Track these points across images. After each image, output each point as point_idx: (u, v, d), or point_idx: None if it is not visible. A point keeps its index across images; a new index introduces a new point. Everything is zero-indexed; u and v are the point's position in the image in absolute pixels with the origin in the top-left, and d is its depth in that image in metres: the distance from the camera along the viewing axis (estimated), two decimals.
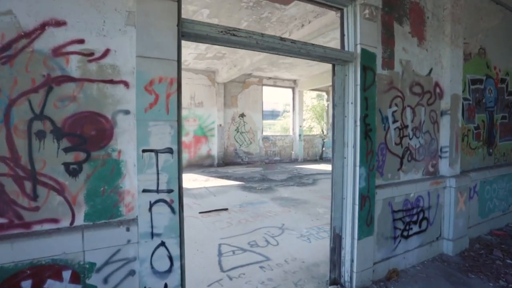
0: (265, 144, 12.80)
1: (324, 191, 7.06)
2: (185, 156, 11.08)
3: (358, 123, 2.61)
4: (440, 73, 3.49)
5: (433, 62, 3.42)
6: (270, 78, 12.73)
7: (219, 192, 6.89)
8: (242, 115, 12.17)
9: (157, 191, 1.72)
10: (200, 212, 5.21)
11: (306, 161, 13.82)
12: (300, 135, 13.41)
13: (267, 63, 10.30)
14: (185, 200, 6.20)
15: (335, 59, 2.57)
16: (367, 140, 2.67)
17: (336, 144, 2.71)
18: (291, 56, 2.46)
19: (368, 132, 2.67)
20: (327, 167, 11.65)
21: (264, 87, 12.78)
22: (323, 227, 4.47)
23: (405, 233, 3.15)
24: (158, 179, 1.72)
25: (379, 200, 2.85)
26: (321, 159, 14.21)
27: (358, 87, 2.61)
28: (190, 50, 8.73)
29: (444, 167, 3.54)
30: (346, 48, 2.69)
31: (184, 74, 11.00)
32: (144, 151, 1.68)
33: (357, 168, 2.63)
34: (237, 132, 12.08)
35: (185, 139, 11.05)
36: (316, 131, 14.92)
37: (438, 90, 3.50)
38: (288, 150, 13.46)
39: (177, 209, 1.79)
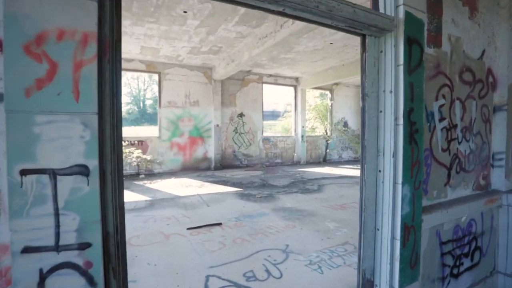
0: (265, 145, 11.97)
1: (331, 199, 6.23)
2: (180, 159, 10.27)
3: (401, 121, 1.79)
4: (493, 57, 2.67)
5: (486, 42, 2.59)
6: (270, 75, 11.92)
7: (214, 201, 6.07)
8: (241, 115, 11.35)
9: (57, 248, 0.90)
10: (188, 228, 4.38)
11: (309, 163, 12.99)
12: (302, 136, 12.58)
13: (267, 58, 9.48)
14: (174, 212, 5.40)
15: (367, 25, 1.73)
16: (412, 146, 1.84)
17: (367, 151, 1.88)
18: (301, 18, 1.61)
19: (414, 134, 1.85)
20: (332, 170, 10.82)
21: (264, 85, 11.96)
22: (336, 249, 3.64)
23: (455, 271, 2.32)
24: (57, 225, 0.90)
25: (425, 230, 2.02)
26: (324, 161, 13.38)
27: (401, 69, 1.78)
28: (183, 43, 7.92)
29: (497, 179, 2.72)
30: (382, 10, 1.85)
31: (178, 70, 10.21)
32: (24, 172, 0.86)
33: (399, 187, 1.81)
34: (236, 133, 11.26)
35: (179, 140, 10.25)
36: (319, 131, 14.10)
37: (490, 79, 2.67)
38: (290, 152, 12.63)
39: (101, 279, 0.96)
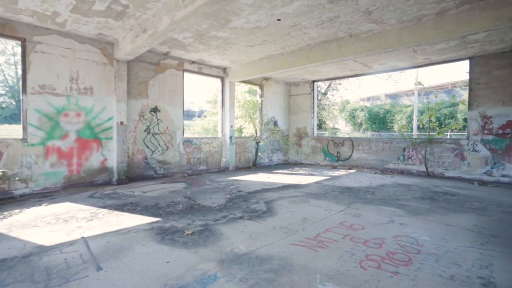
0: (187, 149, 9.30)
1: (295, 227, 4.24)
2: (62, 171, 6.70)
3: None
4: None
5: None
6: (194, 62, 9.31)
7: (111, 255, 3.29)
8: (155, 110, 8.39)
9: None
10: None
11: (239, 169, 10.92)
12: (231, 137, 10.41)
13: (193, 35, 6.93)
14: None
15: None
16: None
17: None
18: None
19: None
20: (269, 178, 9.01)
21: (186, 74, 9.27)
22: None
23: None
24: None
25: None
26: (254, 165, 11.54)
27: None
28: None
29: None
30: None
31: (58, 40, 6.56)
32: None
33: None
34: (148, 133, 8.25)
35: (61, 144, 6.69)
36: (247, 132, 12.21)
37: None
38: (217, 156, 10.29)
39: None
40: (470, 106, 8.46)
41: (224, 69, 10.25)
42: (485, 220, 4.73)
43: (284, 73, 10.72)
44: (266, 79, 11.95)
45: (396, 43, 6.20)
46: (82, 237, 3.82)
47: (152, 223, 4.46)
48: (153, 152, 8.32)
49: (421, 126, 20.31)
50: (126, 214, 4.94)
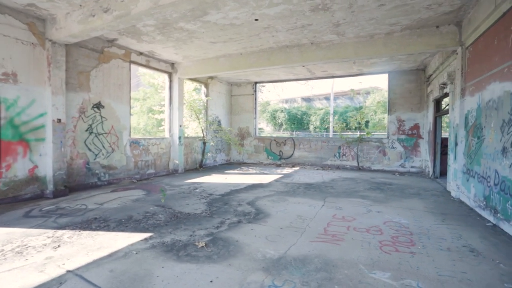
0: (134, 151, 8.11)
1: (296, 225, 4.31)
2: None
3: None
4: None
5: None
6: (141, 53, 8.18)
7: None
8: (99, 106, 7.00)
9: None
10: None
11: (187, 171, 10.21)
12: (180, 138, 9.63)
13: (157, 24, 6.12)
14: None
15: None
16: None
17: None
18: None
19: None
20: (226, 179, 8.78)
21: (133, 66, 8.06)
22: None
23: None
24: None
25: None
26: (201, 167, 10.98)
27: None
28: None
29: None
30: None
31: None
32: None
33: None
34: (90, 133, 6.82)
35: None
36: (189, 132, 11.50)
37: None
38: (165, 158, 9.35)
39: None
40: (389, 111, 10.34)
41: (172, 64, 9.38)
42: (427, 202, 5.90)
43: (230, 73, 10.60)
44: (211, 78, 11.54)
45: (353, 54, 7.02)
46: (68, 271, 2.91)
47: (146, 239, 3.76)
48: (96, 155, 6.91)
49: (335, 129, 23.49)
50: (101, 233, 4.00)
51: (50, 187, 5.81)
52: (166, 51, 8.05)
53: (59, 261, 3.10)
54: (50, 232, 3.99)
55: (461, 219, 4.74)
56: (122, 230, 4.09)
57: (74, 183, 6.40)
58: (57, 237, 3.82)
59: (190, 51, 8.13)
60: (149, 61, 8.52)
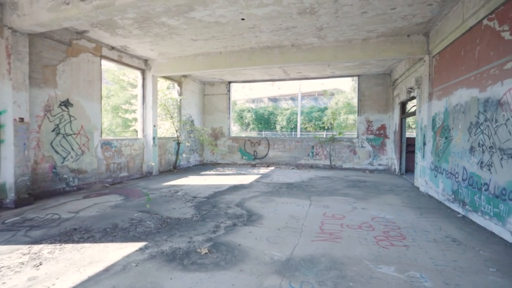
0: (105, 153, 7.47)
1: (292, 225, 4.34)
2: None
3: None
4: None
5: None
6: (113, 48, 7.55)
7: None
8: (67, 104, 6.30)
9: None
10: None
11: (162, 173, 9.72)
12: (154, 138, 9.11)
13: (136, 17, 5.71)
14: None
15: None
16: None
17: None
18: None
19: None
20: (205, 180, 8.55)
21: (104, 61, 7.40)
22: None
23: None
24: None
25: None
26: (175, 168, 10.52)
27: None
28: None
29: None
30: None
31: None
32: None
33: None
34: (58, 134, 6.11)
35: None
36: (164, 131, 10.96)
37: None
38: (138, 160, 8.77)
39: None
40: (359, 112, 10.95)
41: (146, 61, 8.83)
42: (401, 198, 6.36)
43: (208, 72, 10.33)
44: (185, 76, 11.11)
45: (332, 57, 7.28)
46: None
47: (142, 249, 3.48)
48: (64, 158, 6.21)
49: (305, 127, 24.24)
50: (87, 245, 3.60)
51: (11, 195, 5.08)
52: (141, 46, 7.55)
53: (47, 282, 2.72)
54: (24, 248, 3.49)
55: (435, 212, 5.20)
56: (111, 241, 3.74)
57: (39, 190, 5.69)
58: (35, 253, 3.35)
59: (168, 48, 7.73)
60: (122, 57, 7.91)
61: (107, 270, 2.96)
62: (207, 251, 3.43)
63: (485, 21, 4.48)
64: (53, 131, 6.00)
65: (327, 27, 6.31)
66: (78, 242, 3.69)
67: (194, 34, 6.69)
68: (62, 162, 6.20)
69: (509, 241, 3.78)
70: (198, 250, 3.46)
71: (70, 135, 6.39)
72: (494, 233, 4.09)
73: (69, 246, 3.56)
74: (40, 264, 3.07)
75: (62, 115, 6.19)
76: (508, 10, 3.96)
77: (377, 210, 5.32)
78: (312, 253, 3.40)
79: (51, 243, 3.65)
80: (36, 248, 3.49)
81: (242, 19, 5.89)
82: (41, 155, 5.77)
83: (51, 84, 5.95)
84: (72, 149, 6.43)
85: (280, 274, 2.90)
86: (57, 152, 6.08)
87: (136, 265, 3.06)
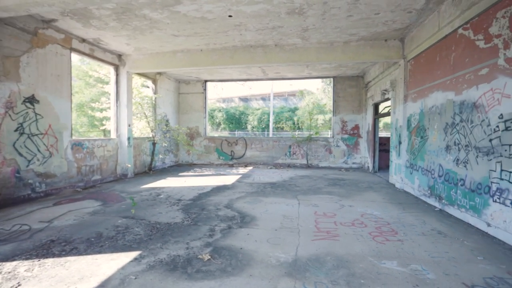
0: (76, 155, 6.79)
1: (288, 225, 4.32)
2: None
3: None
4: None
5: None
6: (85, 41, 6.89)
7: None
8: (32, 100, 5.60)
9: None
10: None
11: (137, 175, 9.14)
12: (129, 139, 8.52)
13: (115, 8, 5.26)
14: None
15: None
16: None
17: None
18: None
19: None
20: (185, 182, 8.22)
21: (74, 54, 6.71)
22: None
23: None
24: None
25: None
26: (150, 170, 9.95)
27: None
28: None
29: None
30: None
31: None
32: None
33: None
34: (21, 134, 5.40)
35: None
36: (137, 131, 10.30)
37: None
38: (112, 162, 8.13)
39: None
40: (334, 112, 11.31)
41: (120, 56, 8.21)
42: (381, 194, 6.66)
43: (186, 69, 9.93)
44: (160, 73, 10.56)
45: (315, 58, 7.39)
46: None
47: (137, 259, 3.19)
48: (29, 161, 5.51)
49: (280, 126, 24.50)
50: (71, 258, 3.21)
51: None
52: (116, 40, 6.99)
53: None
54: None
55: (415, 207, 5.52)
56: (99, 252, 3.38)
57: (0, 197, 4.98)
58: (9, 272, 2.90)
59: (146, 43, 7.26)
60: (94, 50, 7.25)
61: (103, 285, 2.65)
62: (209, 257, 3.25)
63: (460, 30, 4.83)
64: (16, 130, 5.29)
65: (312, 28, 6.39)
66: (59, 255, 3.28)
67: (176, 29, 6.36)
68: (27, 166, 5.51)
69: (485, 230, 4.12)
70: (200, 256, 3.26)
71: (36, 135, 5.70)
72: (470, 224, 4.44)
73: (49, 261, 3.14)
74: (19, 285, 2.66)
75: (27, 112, 5.49)
76: (482, 21, 4.30)
77: (363, 207, 5.50)
78: (316, 253, 3.39)
79: (26, 258, 3.19)
80: (9, 266, 3.03)
81: (230, 16, 5.72)
82: (2, 158, 5.05)
83: (14, 78, 5.25)
84: (39, 150, 5.74)
85: (292, 276, 2.83)
86: (21, 155, 5.38)
87: (135, 278, 2.79)
